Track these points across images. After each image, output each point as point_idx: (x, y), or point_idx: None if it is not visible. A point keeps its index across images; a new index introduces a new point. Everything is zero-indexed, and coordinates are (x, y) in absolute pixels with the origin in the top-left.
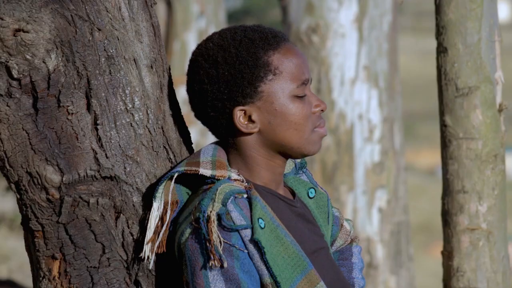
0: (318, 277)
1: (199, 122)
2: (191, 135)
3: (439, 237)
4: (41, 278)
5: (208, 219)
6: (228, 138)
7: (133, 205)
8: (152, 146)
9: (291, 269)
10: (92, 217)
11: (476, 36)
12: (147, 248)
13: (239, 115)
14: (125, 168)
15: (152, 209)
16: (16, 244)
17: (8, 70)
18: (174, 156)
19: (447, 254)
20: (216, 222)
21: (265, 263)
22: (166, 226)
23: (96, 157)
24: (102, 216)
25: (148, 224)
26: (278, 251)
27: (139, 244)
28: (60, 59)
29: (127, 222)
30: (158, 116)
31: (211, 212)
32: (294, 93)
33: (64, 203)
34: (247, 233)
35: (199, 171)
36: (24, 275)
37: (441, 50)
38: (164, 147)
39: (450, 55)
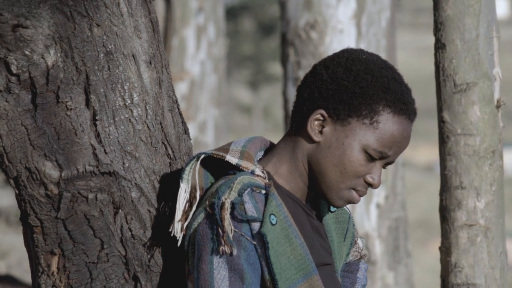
0: (321, 284)
1: (197, 118)
2: (189, 130)
3: (437, 233)
4: (40, 274)
5: (222, 206)
6: (293, 129)
7: (132, 200)
8: (151, 142)
9: (294, 270)
10: (90, 213)
11: (474, 32)
12: (178, 226)
13: (316, 116)
14: (123, 163)
15: (179, 189)
16: (14, 239)
17: (7, 66)
18: (173, 151)
19: (445, 250)
20: (229, 210)
21: (267, 258)
22: (193, 212)
23: (95, 153)
24: (101, 211)
25: (177, 204)
26: (284, 250)
27: (138, 239)
28: (59, 54)
29: (126, 218)
30: (157, 111)
31: (226, 199)
32: (368, 150)
33: (63, 198)
34: (256, 226)
35: (225, 157)
36: (23, 271)
37: (439, 46)
38: (163, 142)
39: (448, 51)
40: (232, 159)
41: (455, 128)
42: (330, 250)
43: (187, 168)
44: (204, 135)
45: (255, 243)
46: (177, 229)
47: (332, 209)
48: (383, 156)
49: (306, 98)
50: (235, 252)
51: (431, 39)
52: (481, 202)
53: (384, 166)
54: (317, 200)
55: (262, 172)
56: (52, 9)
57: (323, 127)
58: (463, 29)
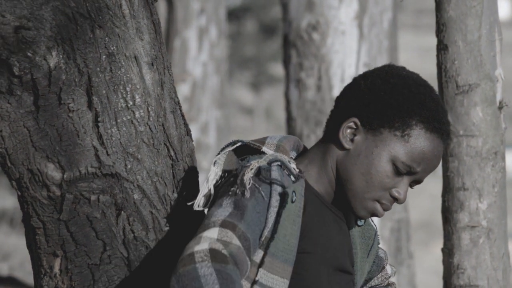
0: (288, 274)
1: (199, 119)
2: (191, 132)
3: (439, 234)
4: (42, 275)
5: (248, 168)
6: (326, 136)
7: (134, 202)
8: (153, 143)
9: (284, 246)
10: (93, 214)
11: (477, 34)
12: (201, 200)
13: (349, 124)
14: (126, 165)
15: (210, 171)
16: (17, 241)
17: (9, 68)
18: (175, 153)
19: (448, 252)
20: (253, 172)
21: (277, 217)
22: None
23: (97, 154)
24: (103, 213)
25: (207, 183)
26: (286, 226)
27: (140, 241)
28: (61, 56)
29: (128, 219)
30: (159, 113)
31: (254, 164)
32: (396, 162)
33: (65, 200)
34: (277, 189)
35: (261, 148)
36: (25, 273)
37: (442, 47)
38: (165, 144)
39: (450, 52)
40: (268, 150)
41: (457, 129)
42: (353, 261)
43: (221, 155)
44: (206, 136)
45: (267, 200)
46: (201, 203)
47: (360, 223)
48: (411, 171)
49: (342, 106)
50: (247, 195)
51: (433, 40)
52: (483, 204)
53: (411, 185)
54: (346, 212)
55: (296, 165)
56: (54, 11)
57: (354, 135)
58: (465, 31)
